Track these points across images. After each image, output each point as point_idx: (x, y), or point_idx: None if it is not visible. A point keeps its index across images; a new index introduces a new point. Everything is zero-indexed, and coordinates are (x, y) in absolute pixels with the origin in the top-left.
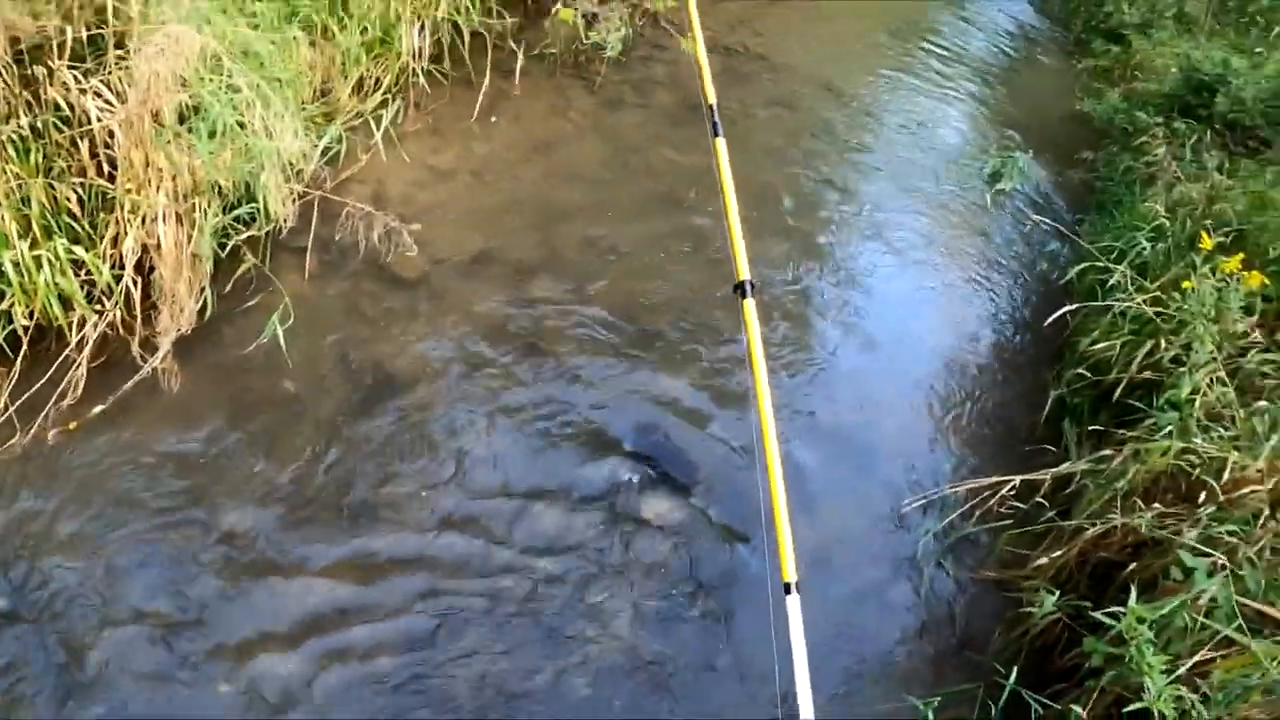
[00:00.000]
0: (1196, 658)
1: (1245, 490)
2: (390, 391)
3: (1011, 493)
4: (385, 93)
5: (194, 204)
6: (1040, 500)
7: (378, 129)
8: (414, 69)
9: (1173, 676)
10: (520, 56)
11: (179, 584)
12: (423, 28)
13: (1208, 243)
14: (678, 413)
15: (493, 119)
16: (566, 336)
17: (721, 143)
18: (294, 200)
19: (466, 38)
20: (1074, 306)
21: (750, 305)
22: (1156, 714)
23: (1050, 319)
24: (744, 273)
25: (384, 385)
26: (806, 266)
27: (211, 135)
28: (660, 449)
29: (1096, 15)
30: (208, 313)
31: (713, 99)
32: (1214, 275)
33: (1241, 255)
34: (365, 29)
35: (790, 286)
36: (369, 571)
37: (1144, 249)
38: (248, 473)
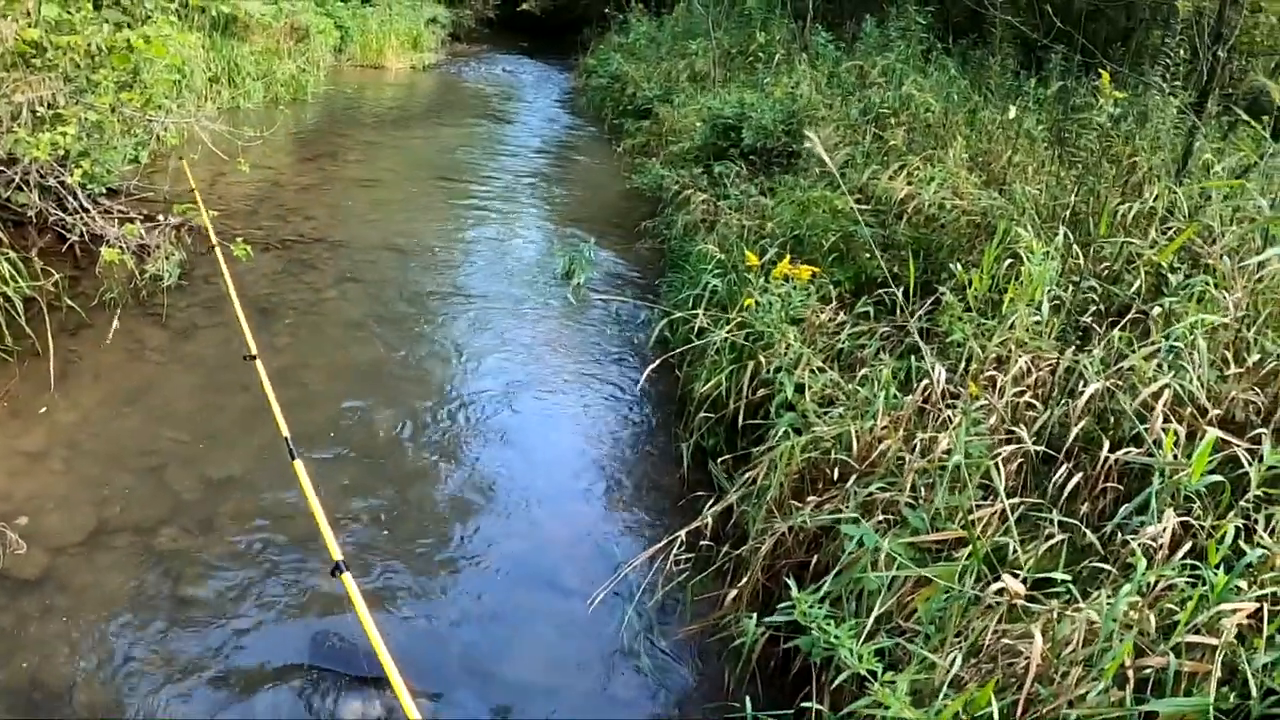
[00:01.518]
0: (878, 610)
1: (881, 448)
2: (53, 706)
3: (682, 548)
4: None
5: None
6: (709, 542)
7: None
8: None
9: (865, 633)
10: (81, 311)
11: None
12: None
13: (753, 260)
14: (345, 610)
15: (71, 383)
16: (207, 580)
17: (300, 465)
18: None
19: (20, 306)
20: (659, 360)
21: (349, 580)
22: (866, 673)
23: (641, 380)
24: (336, 553)
25: (43, 702)
26: (424, 429)
27: None
28: (337, 651)
29: (621, 100)
30: None
31: (286, 431)
32: (773, 285)
33: (788, 260)
34: None
35: (418, 452)
36: None
37: (716, 286)
38: None
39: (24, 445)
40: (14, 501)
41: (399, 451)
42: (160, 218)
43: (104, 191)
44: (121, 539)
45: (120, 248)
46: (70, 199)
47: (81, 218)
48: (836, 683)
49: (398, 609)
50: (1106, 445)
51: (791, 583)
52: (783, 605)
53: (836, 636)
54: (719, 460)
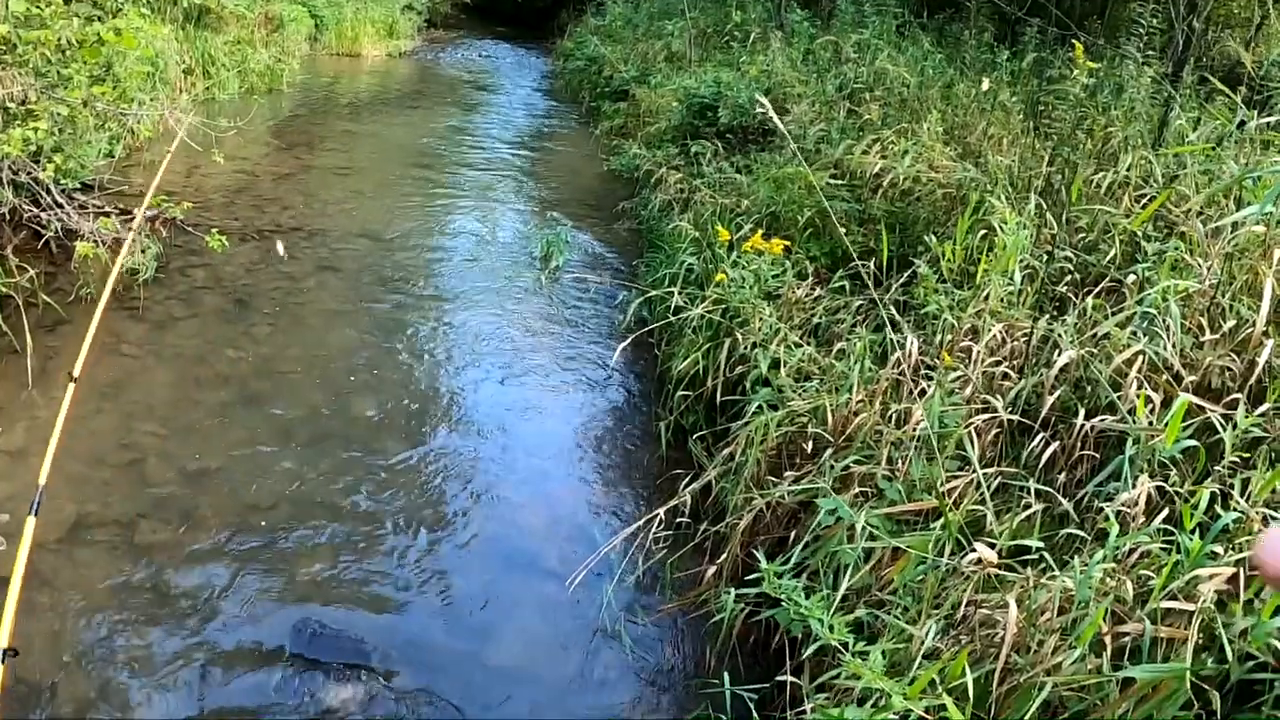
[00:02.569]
0: (850, 581)
1: (857, 421)
2: (36, 701)
3: (661, 526)
4: None
5: None
6: (687, 519)
7: None
8: None
9: (840, 605)
10: (58, 307)
11: None
12: None
13: (724, 235)
14: (326, 598)
15: (49, 380)
16: (190, 572)
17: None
18: None
19: None
20: (632, 338)
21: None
22: (839, 645)
23: (616, 359)
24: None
25: (27, 697)
26: (404, 415)
27: None
28: (321, 639)
29: (599, 82)
30: None
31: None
32: (746, 261)
33: (760, 234)
34: None
35: (398, 439)
36: None
37: (692, 264)
38: None
39: (3, 443)
40: None
41: (379, 438)
42: (135, 211)
43: (78, 186)
44: (102, 533)
45: (95, 242)
46: (44, 195)
47: (56, 213)
48: (812, 655)
49: (379, 595)
50: (1082, 413)
51: (760, 555)
52: (753, 576)
53: (807, 608)
54: (697, 438)
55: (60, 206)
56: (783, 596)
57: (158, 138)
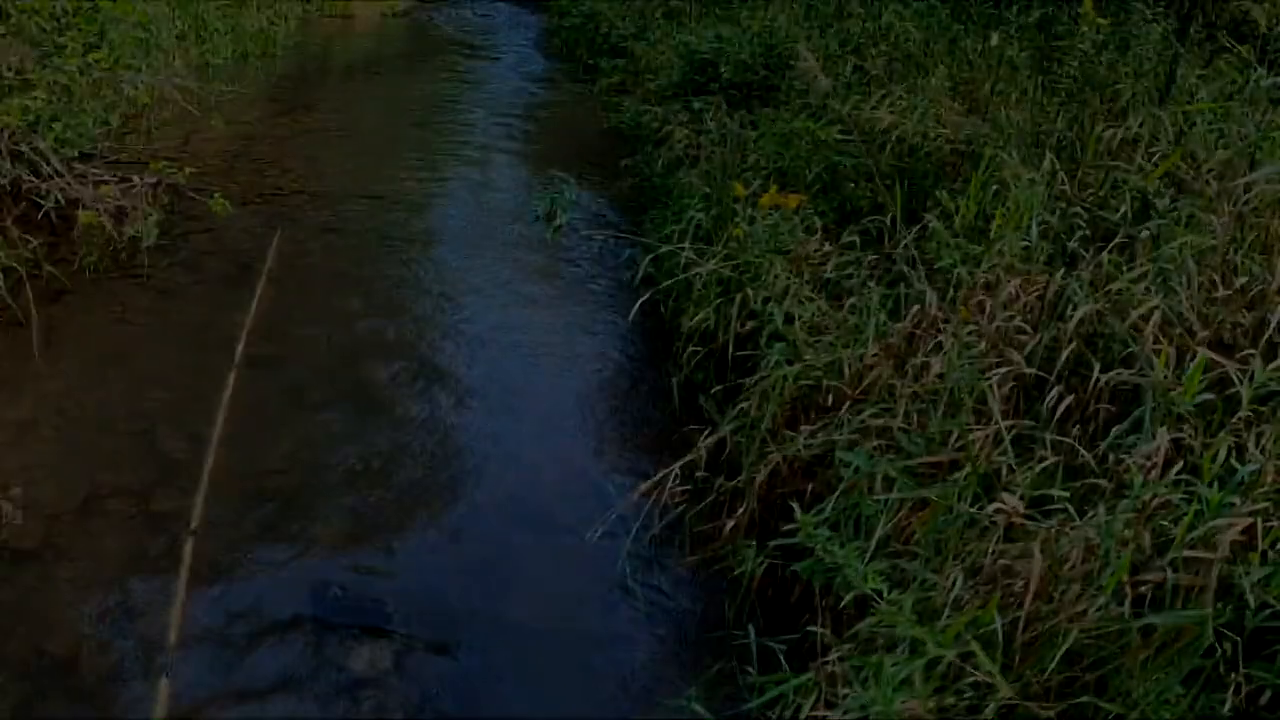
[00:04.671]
0: (877, 532)
1: (873, 375)
2: (65, 675)
3: (677, 482)
4: None
5: None
6: (704, 474)
7: None
8: None
9: (869, 555)
10: (62, 277)
11: None
12: None
13: (739, 190)
14: (343, 560)
15: (55, 351)
16: (204, 538)
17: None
18: None
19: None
20: (647, 295)
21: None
22: (872, 594)
23: (628, 316)
24: None
25: (49, 670)
26: (412, 375)
27: None
28: (340, 603)
29: (596, 39)
30: None
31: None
32: (761, 216)
33: (775, 188)
34: None
35: (407, 399)
36: None
37: (700, 219)
38: None
39: (11, 416)
40: (6, 472)
41: (388, 398)
42: (136, 178)
43: (77, 156)
44: (117, 502)
45: (97, 210)
46: (44, 164)
47: (57, 183)
48: (834, 607)
49: (397, 556)
50: (1097, 367)
51: (795, 505)
52: (786, 528)
53: (842, 557)
54: (710, 393)
55: (60, 175)
56: (816, 546)
57: (154, 104)
